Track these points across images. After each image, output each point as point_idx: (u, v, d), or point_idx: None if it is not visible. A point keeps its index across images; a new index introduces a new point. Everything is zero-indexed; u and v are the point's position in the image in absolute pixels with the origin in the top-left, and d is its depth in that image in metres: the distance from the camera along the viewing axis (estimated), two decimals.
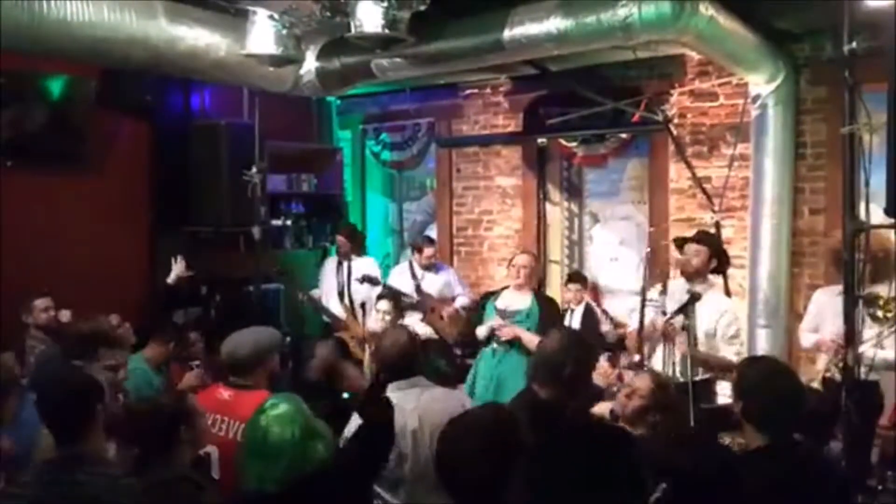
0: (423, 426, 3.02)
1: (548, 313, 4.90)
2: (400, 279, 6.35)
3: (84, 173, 5.87)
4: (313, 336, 7.23)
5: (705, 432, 3.51)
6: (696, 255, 4.44)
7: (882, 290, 3.65)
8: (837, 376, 3.55)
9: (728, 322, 4.33)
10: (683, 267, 4.45)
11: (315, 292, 6.78)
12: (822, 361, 4.33)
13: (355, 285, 6.36)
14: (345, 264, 6.43)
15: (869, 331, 3.56)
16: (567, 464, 1.91)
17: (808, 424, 2.86)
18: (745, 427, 2.72)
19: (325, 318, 6.59)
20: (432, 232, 7.52)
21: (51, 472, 2.55)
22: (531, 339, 4.58)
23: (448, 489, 2.15)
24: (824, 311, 4.35)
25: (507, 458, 2.09)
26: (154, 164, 6.38)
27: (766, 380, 2.72)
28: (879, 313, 3.64)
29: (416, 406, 3.07)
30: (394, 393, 3.15)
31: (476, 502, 2.10)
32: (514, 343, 4.80)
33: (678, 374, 4.20)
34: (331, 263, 6.75)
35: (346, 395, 6.35)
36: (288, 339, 6.84)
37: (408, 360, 3.20)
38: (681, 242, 4.63)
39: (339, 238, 6.62)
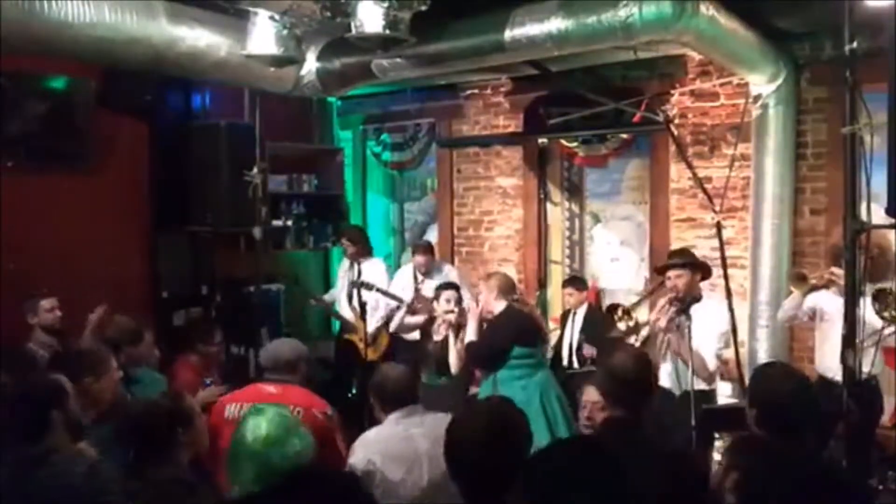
0: (435, 444, 3.03)
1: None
2: (402, 282, 6.37)
3: (84, 173, 5.87)
4: (315, 338, 7.25)
5: (706, 432, 3.52)
6: (679, 278, 4.49)
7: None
8: (838, 377, 3.53)
9: (717, 325, 4.40)
10: (674, 294, 4.46)
11: (330, 294, 6.81)
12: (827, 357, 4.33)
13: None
14: (356, 266, 6.44)
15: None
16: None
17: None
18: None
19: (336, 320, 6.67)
20: (433, 232, 7.53)
21: (22, 467, 2.54)
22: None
23: (456, 478, 2.21)
24: (827, 312, 4.38)
25: (510, 447, 2.16)
26: (154, 164, 6.38)
27: (780, 387, 2.70)
28: (886, 314, 3.64)
29: (423, 430, 3.13)
30: (398, 423, 3.21)
31: (482, 492, 2.14)
32: None
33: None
34: (344, 265, 6.78)
35: (350, 395, 6.41)
36: None
37: (404, 391, 3.29)
38: (661, 271, 4.69)
39: (344, 241, 6.61)
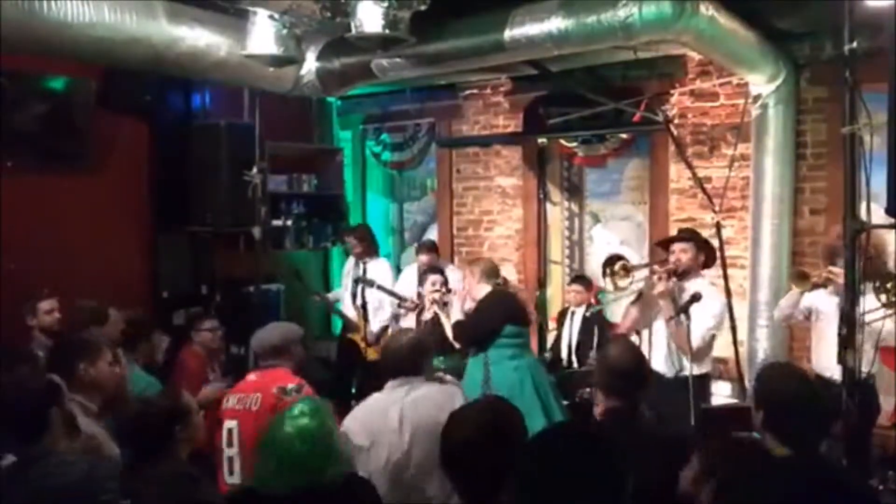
0: (403, 423, 3.08)
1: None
2: (407, 282, 6.37)
3: (84, 173, 5.87)
4: (316, 337, 7.25)
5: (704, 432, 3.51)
6: (683, 252, 4.50)
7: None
8: (834, 376, 3.54)
9: (710, 308, 4.38)
10: (674, 266, 4.47)
11: (333, 293, 6.81)
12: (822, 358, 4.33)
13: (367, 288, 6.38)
14: (361, 265, 6.45)
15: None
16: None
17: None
18: (765, 437, 2.67)
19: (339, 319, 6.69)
20: (433, 232, 7.53)
21: (21, 467, 2.54)
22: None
23: (452, 479, 2.20)
24: (822, 311, 4.38)
25: (506, 446, 2.14)
26: (154, 164, 6.39)
27: (787, 388, 2.68)
28: (883, 297, 3.64)
29: (400, 405, 3.13)
30: (391, 392, 3.22)
31: (479, 491, 2.14)
32: None
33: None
34: (349, 264, 6.78)
35: (351, 394, 6.41)
36: None
37: (402, 361, 3.27)
38: (666, 243, 4.67)
39: (351, 240, 6.60)
